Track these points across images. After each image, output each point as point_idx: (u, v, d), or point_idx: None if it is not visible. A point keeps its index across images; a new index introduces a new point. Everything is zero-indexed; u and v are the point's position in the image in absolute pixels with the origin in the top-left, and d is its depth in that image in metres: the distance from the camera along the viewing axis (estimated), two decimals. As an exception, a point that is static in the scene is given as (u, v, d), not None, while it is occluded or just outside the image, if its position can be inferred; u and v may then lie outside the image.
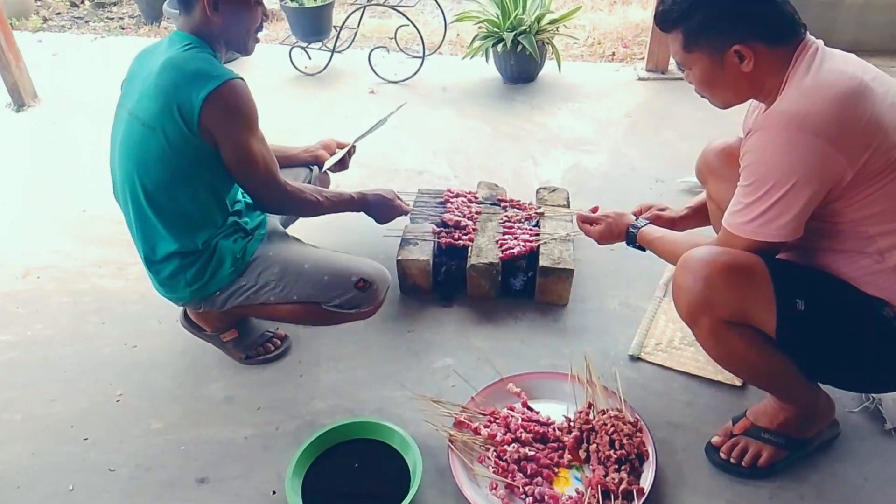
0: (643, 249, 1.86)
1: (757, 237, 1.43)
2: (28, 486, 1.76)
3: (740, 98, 1.54)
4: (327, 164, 2.31)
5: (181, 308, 2.09)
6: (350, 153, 2.39)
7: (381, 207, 2.16)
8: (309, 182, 2.28)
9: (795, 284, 1.46)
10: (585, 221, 2.03)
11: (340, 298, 1.88)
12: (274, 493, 1.71)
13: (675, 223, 2.04)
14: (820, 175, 1.36)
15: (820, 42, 1.44)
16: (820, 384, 1.65)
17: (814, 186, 1.36)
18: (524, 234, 2.32)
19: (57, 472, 1.79)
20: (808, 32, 1.44)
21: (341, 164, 2.37)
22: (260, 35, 1.88)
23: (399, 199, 2.22)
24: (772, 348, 1.49)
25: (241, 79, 1.73)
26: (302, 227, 2.39)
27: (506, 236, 2.31)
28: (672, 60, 3.87)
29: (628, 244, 1.90)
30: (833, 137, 1.33)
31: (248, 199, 2.02)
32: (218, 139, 1.73)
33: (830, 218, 1.45)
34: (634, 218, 1.91)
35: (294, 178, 2.22)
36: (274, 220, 2.09)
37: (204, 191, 1.82)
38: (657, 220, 1.99)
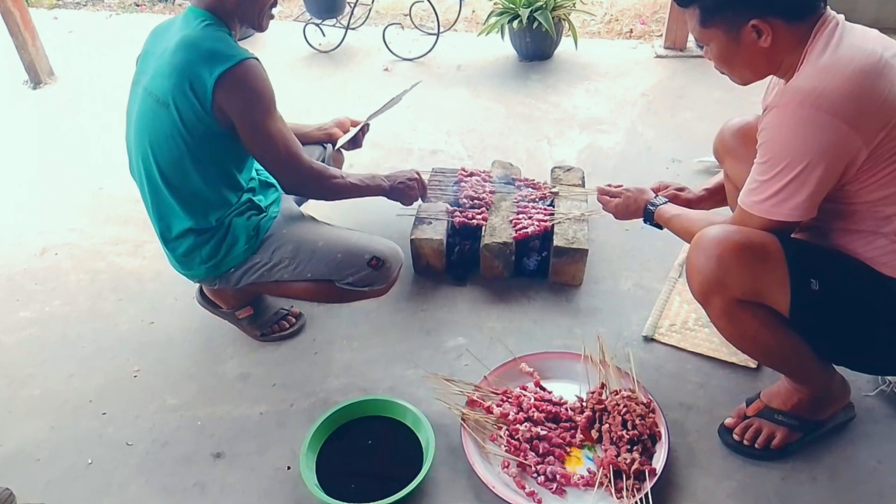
0: (660, 228, 1.84)
1: (771, 216, 1.42)
2: (47, 460, 1.79)
3: (758, 75, 1.51)
4: (340, 142, 2.31)
5: (197, 285, 2.11)
6: (363, 131, 2.38)
7: (401, 192, 2.14)
8: (323, 160, 2.28)
9: (810, 264, 1.45)
10: (605, 194, 2.02)
11: (353, 276, 1.89)
12: (288, 468, 1.73)
13: (692, 204, 2.02)
14: (835, 154, 1.34)
15: (840, 17, 1.41)
16: (835, 366, 1.64)
17: (828, 166, 1.34)
18: (538, 213, 2.31)
19: (75, 447, 1.82)
20: (827, 7, 1.41)
21: (354, 143, 2.36)
22: (274, 12, 1.87)
23: (418, 177, 2.19)
24: (785, 328, 1.48)
25: (256, 59, 1.73)
26: (317, 206, 2.39)
27: (520, 216, 2.31)
28: (690, 38, 3.85)
29: (645, 221, 1.88)
30: (848, 116, 1.31)
31: (263, 178, 2.02)
32: (234, 120, 1.73)
33: (846, 198, 1.43)
34: (654, 195, 1.90)
35: (308, 156, 2.22)
36: (288, 198, 2.09)
37: (217, 169, 1.82)
38: (674, 200, 1.97)
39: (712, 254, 1.46)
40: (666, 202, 1.84)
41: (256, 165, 2.02)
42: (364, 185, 2.02)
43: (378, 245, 1.93)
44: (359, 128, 2.34)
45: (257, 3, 1.79)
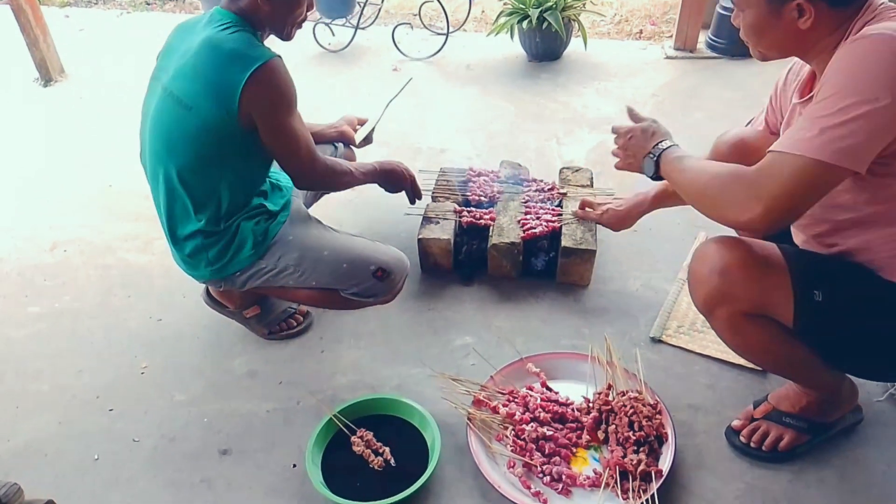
0: (656, 170, 1.60)
1: (818, 155, 1.21)
2: (55, 455, 1.80)
3: (784, 54, 1.43)
4: (358, 139, 2.31)
5: (204, 285, 2.11)
6: (372, 129, 2.38)
7: (386, 177, 2.13)
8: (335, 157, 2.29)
9: (812, 275, 1.42)
10: (616, 132, 1.75)
11: (358, 287, 1.89)
12: (294, 466, 1.73)
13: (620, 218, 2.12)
14: None
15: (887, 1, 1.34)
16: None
17: None
18: (546, 213, 2.30)
19: (83, 442, 1.83)
20: None
21: (367, 140, 2.36)
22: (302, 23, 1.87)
23: (408, 172, 2.16)
24: (791, 339, 1.47)
25: (279, 56, 1.72)
26: (328, 203, 2.40)
27: (527, 216, 2.30)
28: (701, 39, 3.84)
29: (649, 169, 1.63)
30: None
31: (273, 180, 2.01)
32: (258, 121, 1.73)
33: (890, 173, 1.31)
34: (660, 140, 1.62)
35: (321, 154, 2.23)
36: (298, 202, 2.08)
37: (233, 173, 1.81)
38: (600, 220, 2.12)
39: (717, 267, 1.44)
40: (673, 146, 1.59)
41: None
42: (365, 177, 2.06)
43: (383, 255, 1.92)
44: (372, 127, 2.34)
45: (290, 17, 1.79)
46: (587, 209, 2.24)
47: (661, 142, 1.59)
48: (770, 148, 1.30)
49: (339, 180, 1.98)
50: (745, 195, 1.28)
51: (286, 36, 1.84)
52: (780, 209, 1.26)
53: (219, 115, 1.69)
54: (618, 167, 1.76)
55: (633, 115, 1.71)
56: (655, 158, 1.57)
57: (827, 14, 1.32)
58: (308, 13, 1.84)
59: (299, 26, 1.86)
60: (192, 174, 1.78)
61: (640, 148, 1.63)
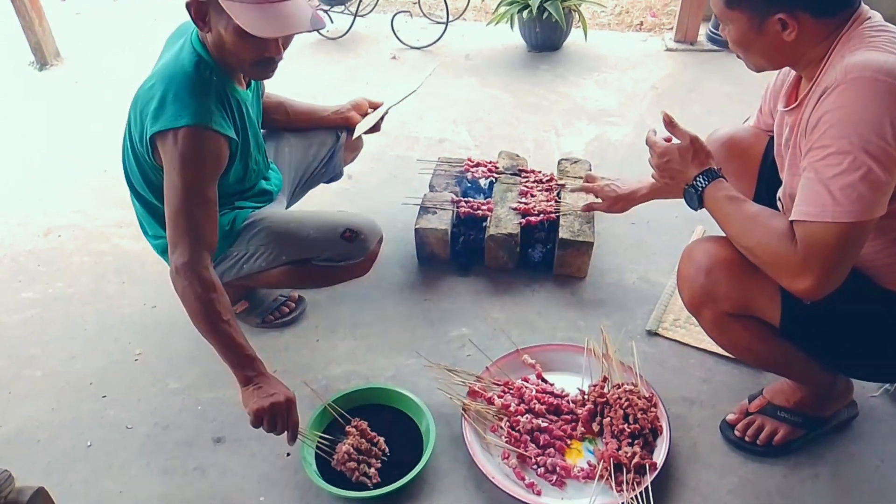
0: (699, 205, 1.48)
1: (852, 217, 1.20)
2: (48, 441, 1.80)
3: (775, 66, 1.43)
4: (359, 131, 2.20)
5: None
6: (382, 117, 2.31)
7: (252, 396, 1.59)
8: (335, 149, 2.22)
9: None
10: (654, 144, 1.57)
11: (328, 252, 1.85)
12: (288, 454, 1.73)
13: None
14: None
15: (877, 14, 1.33)
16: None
17: None
18: (543, 203, 2.29)
19: (76, 428, 1.83)
20: (862, 3, 1.32)
21: (374, 127, 2.27)
22: (270, 69, 1.67)
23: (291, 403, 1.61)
24: (778, 339, 1.47)
25: (205, 126, 1.57)
26: (322, 193, 2.38)
27: (522, 199, 2.31)
28: (701, 32, 3.82)
29: (690, 202, 1.51)
30: None
31: (264, 187, 1.97)
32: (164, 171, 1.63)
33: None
34: (706, 168, 1.47)
35: (320, 145, 2.18)
36: (282, 196, 2.07)
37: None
38: (599, 193, 1.99)
39: (702, 267, 1.45)
40: (716, 179, 1.45)
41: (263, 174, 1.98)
42: (226, 350, 1.61)
43: (352, 218, 1.89)
44: (380, 116, 2.23)
45: (236, 54, 1.60)
46: (588, 183, 2.11)
47: (703, 172, 1.46)
48: (795, 217, 1.26)
49: (197, 304, 1.58)
50: (795, 270, 1.27)
51: (246, 76, 1.73)
52: (832, 279, 1.26)
53: (141, 141, 1.66)
54: (656, 182, 1.63)
55: (670, 126, 1.51)
56: (699, 194, 1.46)
57: (812, 25, 1.30)
58: (276, 59, 1.63)
59: (270, 67, 1.66)
60: (140, 186, 1.80)
61: (679, 174, 1.50)
